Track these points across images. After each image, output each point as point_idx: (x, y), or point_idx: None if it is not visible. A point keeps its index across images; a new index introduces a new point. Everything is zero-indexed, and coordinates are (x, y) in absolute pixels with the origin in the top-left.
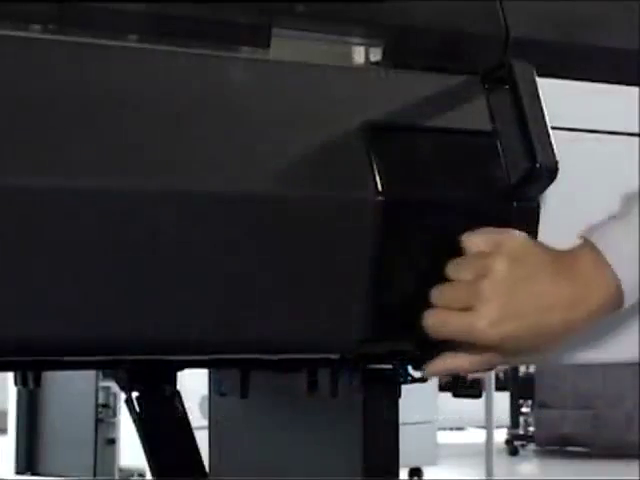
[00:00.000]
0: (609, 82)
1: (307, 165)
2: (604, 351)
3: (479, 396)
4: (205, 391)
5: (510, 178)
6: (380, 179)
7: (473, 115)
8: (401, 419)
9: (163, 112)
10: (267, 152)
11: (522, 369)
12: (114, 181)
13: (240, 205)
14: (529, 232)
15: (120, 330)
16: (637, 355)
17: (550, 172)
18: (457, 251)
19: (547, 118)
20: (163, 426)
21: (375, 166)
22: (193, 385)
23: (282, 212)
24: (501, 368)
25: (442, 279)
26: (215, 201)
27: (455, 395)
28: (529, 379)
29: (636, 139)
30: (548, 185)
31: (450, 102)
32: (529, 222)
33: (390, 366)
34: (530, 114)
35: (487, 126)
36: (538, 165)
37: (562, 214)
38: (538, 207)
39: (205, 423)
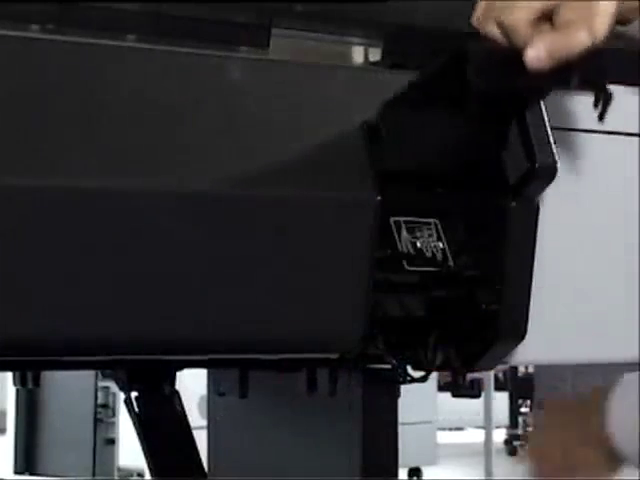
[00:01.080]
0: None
1: (304, 165)
2: (603, 351)
3: (478, 396)
4: (204, 391)
5: (509, 178)
6: (379, 178)
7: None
8: (400, 419)
9: (160, 113)
10: (263, 152)
11: (521, 369)
12: (109, 180)
13: (238, 204)
14: (528, 233)
15: (119, 330)
16: (637, 355)
17: (549, 172)
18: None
19: (546, 117)
20: (162, 426)
21: (374, 165)
22: (192, 385)
23: (280, 211)
24: (500, 368)
25: None
26: (214, 201)
27: (454, 395)
28: (528, 379)
29: (636, 139)
30: (547, 185)
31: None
32: (528, 222)
33: (389, 366)
34: (529, 113)
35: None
36: (537, 165)
37: (562, 214)
38: (537, 207)
39: (204, 423)
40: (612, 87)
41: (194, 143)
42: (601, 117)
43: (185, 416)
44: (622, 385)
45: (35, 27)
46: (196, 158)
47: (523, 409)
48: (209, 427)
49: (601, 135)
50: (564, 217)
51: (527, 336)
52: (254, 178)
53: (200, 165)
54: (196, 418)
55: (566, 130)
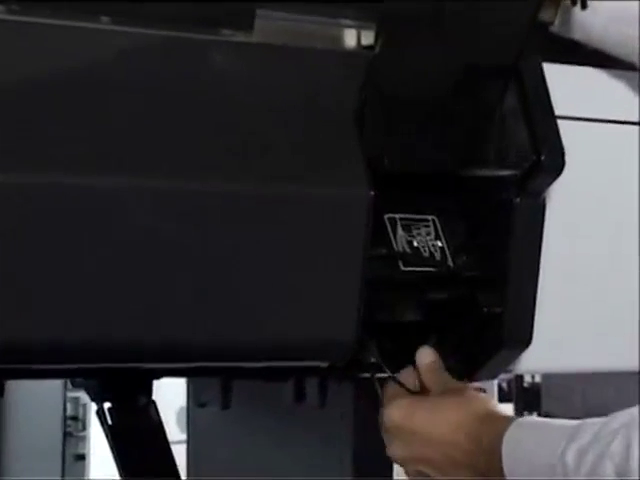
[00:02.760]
0: (609, 67)
1: (291, 158)
2: (614, 359)
3: None
4: (183, 402)
5: (514, 172)
6: (372, 174)
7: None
8: None
9: (138, 102)
10: (246, 145)
11: (527, 378)
12: (87, 177)
13: (221, 201)
14: (534, 230)
15: (90, 335)
16: (637, 364)
17: (556, 165)
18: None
19: (554, 109)
20: (137, 439)
21: (367, 158)
22: (169, 395)
23: (266, 209)
24: (505, 377)
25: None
26: (194, 198)
27: None
28: (535, 389)
29: (636, 128)
30: (554, 179)
31: None
32: (534, 219)
33: (383, 375)
34: (535, 105)
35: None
36: (543, 158)
37: (561, 204)
38: (543, 203)
39: (183, 437)
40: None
41: (173, 137)
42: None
43: (163, 428)
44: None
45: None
46: (176, 152)
47: None
48: (188, 441)
49: (599, 124)
50: (566, 214)
51: (533, 342)
52: (236, 173)
53: (181, 160)
54: (174, 431)
55: (563, 119)
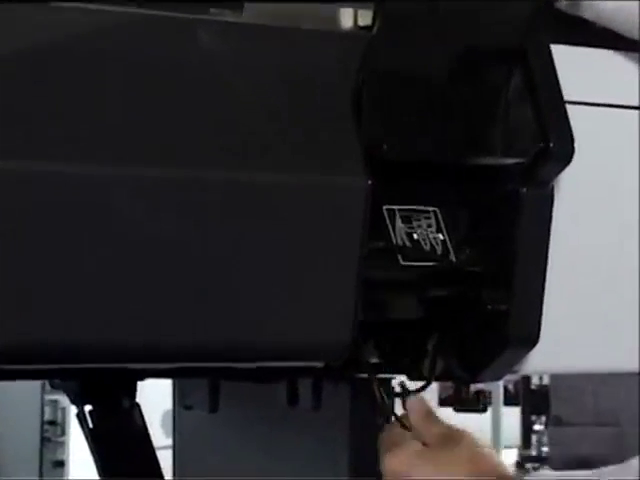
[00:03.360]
0: (610, 48)
1: (282, 144)
2: (626, 358)
3: (484, 410)
4: (168, 405)
5: (521, 161)
6: (370, 162)
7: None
8: None
9: (124, 85)
10: (234, 130)
11: (535, 380)
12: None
13: (208, 192)
14: (542, 222)
15: (70, 333)
16: (637, 365)
17: (565, 153)
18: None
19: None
20: (120, 443)
21: (364, 148)
22: (154, 398)
23: (253, 199)
24: (510, 379)
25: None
26: (181, 188)
27: (457, 410)
28: (543, 392)
29: (636, 112)
30: (563, 168)
31: None
32: (541, 210)
33: (381, 376)
34: (543, 89)
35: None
36: (552, 144)
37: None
38: (552, 193)
39: (168, 442)
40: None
41: (160, 120)
42: None
43: (147, 433)
44: None
45: None
46: (162, 137)
47: (537, 426)
48: (174, 446)
49: (599, 108)
50: (572, 205)
51: (541, 341)
52: (222, 159)
53: (166, 145)
54: (159, 436)
55: (569, 104)
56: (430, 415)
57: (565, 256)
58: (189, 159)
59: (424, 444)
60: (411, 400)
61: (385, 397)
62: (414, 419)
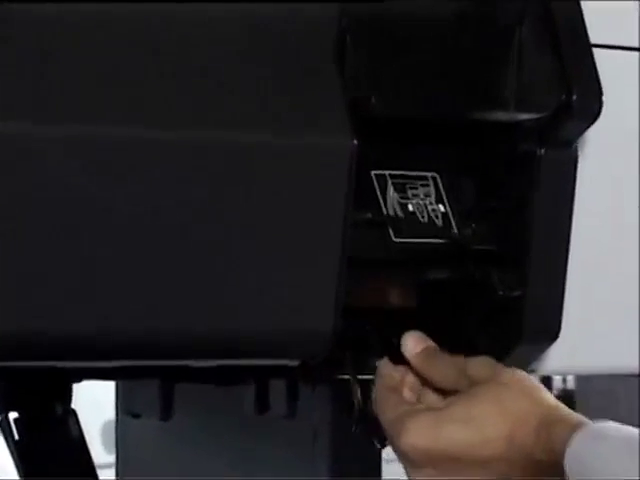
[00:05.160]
0: None
1: (250, 100)
2: (603, 361)
3: None
4: (110, 413)
5: (538, 117)
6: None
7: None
8: (385, 452)
9: (102, 46)
10: (209, 87)
11: (557, 383)
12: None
13: (175, 153)
14: (563, 190)
15: None
16: (637, 366)
17: (591, 108)
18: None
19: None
20: (52, 458)
21: (349, 102)
22: (93, 404)
23: (224, 163)
24: None
25: None
26: (151, 148)
27: None
28: (568, 397)
29: (636, 54)
30: (588, 126)
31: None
32: (563, 174)
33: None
34: (564, 31)
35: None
36: (575, 98)
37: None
38: (575, 155)
39: (111, 459)
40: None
41: (137, 80)
42: None
43: (85, 446)
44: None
45: None
46: (139, 97)
47: None
48: (118, 462)
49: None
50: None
51: (562, 334)
52: (194, 119)
53: (140, 106)
54: (99, 452)
55: None
56: (434, 353)
57: (592, 230)
58: (160, 119)
59: (438, 391)
60: (407, 336)
61: (360, 402)
62: (416, 361)
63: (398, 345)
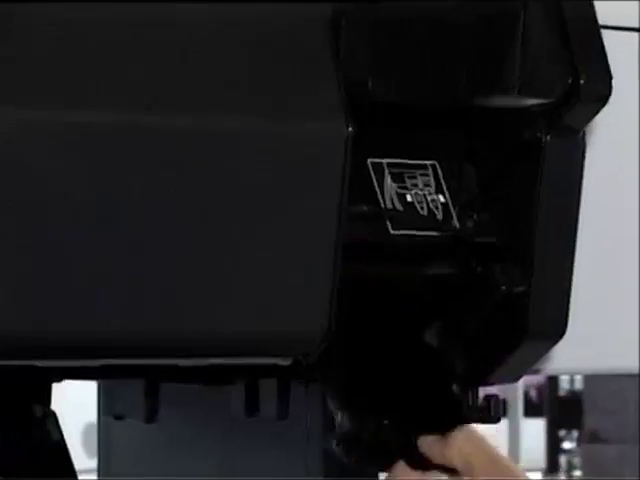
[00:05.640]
0: None
1: (239, 84)
2: (612, 360)
3: (496, 421)
4: (92, 415)
5: (543, 102)
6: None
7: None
8: None
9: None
10: (206, 74)
11: (564, 384)
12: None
13: (162, 141)
14: (570, 179)
15: None
16: (637, 365)
17: (599, 93)
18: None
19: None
20: (30, 462)
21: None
22: (73, 406)
23: (213, 151)
24: (533, 382)
25: None
26: (138, 136)
27: (465, 422)
28: (574, 400)
29: (635, 35)
30: (597, 111)
31: None
32: (570, 163)
33: None
34: (572, 10)
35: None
36: (582, 83)
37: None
38: (583, 142)
39: (92, 464)
40: None
41: (128, 66)
42: None
43: (66, 448)
44: None
45: None
46: (130, 82)
47: (567, 444)
48: (100, 467)
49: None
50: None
51: (570, 332)
52: (188, 104)
53: (131, 91)
54: (81, 456)
55: None
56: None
57: (601, 222)
58: (150, 105)
59: None
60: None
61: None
62: None
63: (416, 445)
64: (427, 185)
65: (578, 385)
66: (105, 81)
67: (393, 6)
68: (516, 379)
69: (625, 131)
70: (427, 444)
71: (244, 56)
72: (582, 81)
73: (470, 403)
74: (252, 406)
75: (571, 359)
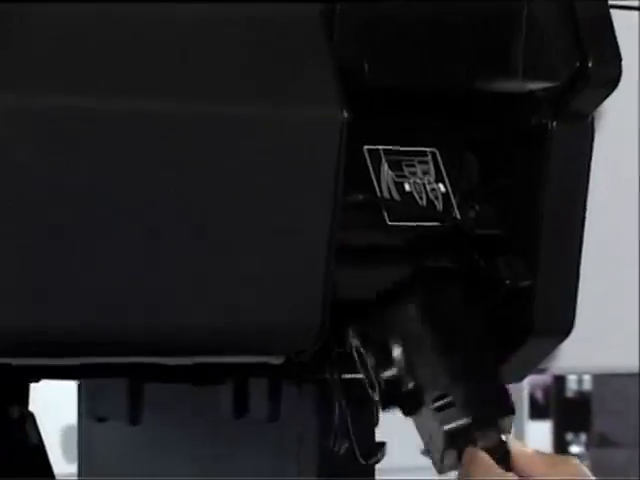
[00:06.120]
0: None
1: (243, 72)
2: (622, 358)
3: None
4: (72, 418)
5: (549, 86)
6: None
7: None
8: (388, 464)
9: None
10: (183, 55)
11: (572, 385)
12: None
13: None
14: (577, 167)
15: None
16: (637, 364)
17: (608, 76)
18: None
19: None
20: (7, 465)
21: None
22: (52, 408)
23: (201, 138)
24: (538, 382)
25: None
26: (125, 122)
27: None
28: (582, 401)
29: (636, 13)
30: (606, 95)
31: None
32: (577, 150)
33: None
34: None
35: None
36: (591, 65)
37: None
38: (591, 129)
39: (72, 469)
40: None
41: (120, 51)
42: None
43: (44, 452)
44: None
45: None
46: (121, 67)
47: (574, 448)
48: (81, 472)
49: None
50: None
51: (577, 328)
52: (175, 89)
53: (123, 76)
54: (60, 462)
55: None
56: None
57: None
58: (140, 89)
59: None
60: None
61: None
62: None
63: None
64: (426, 173)
65: (587, 385)
66: (102, 67)
67: None
68: (520, 379)
69: (624, 114)
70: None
71: (235, 41)
72: (590, 64)
73: None
74: (241, 407)
75: (579, 357)
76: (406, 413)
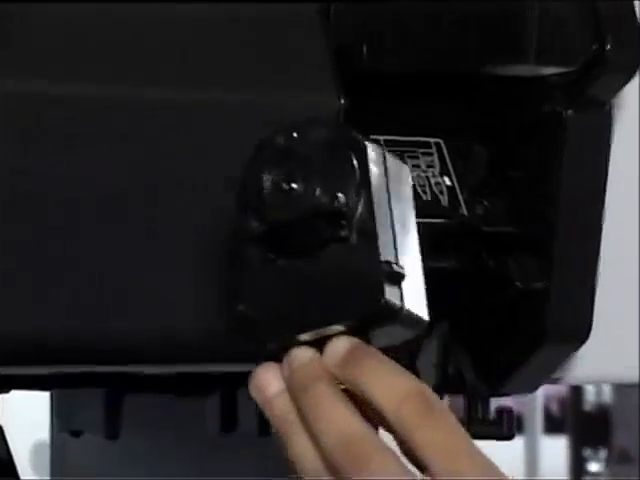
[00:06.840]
0: None
1: (227, 58)
2: (621, 368)
3: (510, 438)
4: (44, 431)
5: (564, 71)
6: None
7: None
8: None
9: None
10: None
11: (589, 397)
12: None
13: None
14: (595, 158)
15: None
16: (637, 375)
17: (628, 61)
18: None
19: None
20: None
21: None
22: (22, 421)
23: (195, 123)
24: (553, 394)
25: None
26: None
27: (473, 436)
28: (601, 414)
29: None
30: (625, 81)
31: None
32: (595, 139)
33: None
34: None
35: None
36: (609, 48)
37: None
38: (610, 117)
39: None
40: None
41: (114, 39)
42: None
43: (14, 468)
44: None
45: None
46: (116, 55)
47: (593, 465)
48: None
49: None
50: None
51: (594, 335)
52: (169, 76)
53: (118, 64)
54: (29, 477)
55: None
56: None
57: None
58: (135, 78)
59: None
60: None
61: None
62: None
63: None
64: (430, 166)
65: (606, 397)
66: (101, 54)
67: None
68: (533, 389)
69: (626, 100)
70: None
71: (230, 28)
72: (608, 47)
73: (479, 417)
74: (229, 420)
75: (597, 366)
76: None
